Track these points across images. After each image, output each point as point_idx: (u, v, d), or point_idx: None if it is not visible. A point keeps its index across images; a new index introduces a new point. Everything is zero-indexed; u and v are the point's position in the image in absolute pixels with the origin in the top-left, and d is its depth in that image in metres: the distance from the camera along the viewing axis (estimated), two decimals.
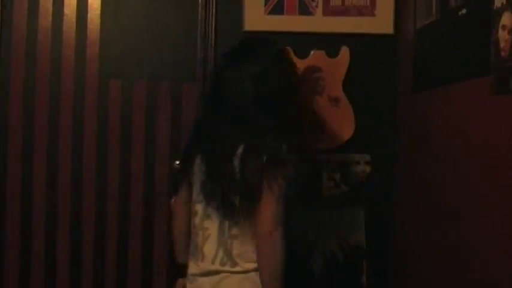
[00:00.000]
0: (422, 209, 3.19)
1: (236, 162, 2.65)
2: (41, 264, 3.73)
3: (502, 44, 2.30)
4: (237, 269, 2.69)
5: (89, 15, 3.72)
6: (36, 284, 3.74)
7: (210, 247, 2.74)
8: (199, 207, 2.79)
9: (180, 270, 2.95)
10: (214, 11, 3.70)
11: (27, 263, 3.72)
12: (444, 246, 2.91)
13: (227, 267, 2.70)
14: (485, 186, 2.47)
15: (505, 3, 2.28)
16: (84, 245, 3.74)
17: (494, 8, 2.36)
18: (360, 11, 3.69)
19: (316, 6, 3.68)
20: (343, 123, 3.68)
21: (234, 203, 2.65)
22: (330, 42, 3.69)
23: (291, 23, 3.69)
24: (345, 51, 3.68)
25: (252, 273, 2.68)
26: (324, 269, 3.34)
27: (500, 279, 2.32)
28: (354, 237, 3.61)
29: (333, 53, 3.68)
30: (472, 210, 2.61)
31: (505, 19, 2.28)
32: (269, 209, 2.61)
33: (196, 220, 2.80)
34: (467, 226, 2.66)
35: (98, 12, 3.72)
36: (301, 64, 3.64)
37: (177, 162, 3.64)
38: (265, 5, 3.67)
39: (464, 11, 2.72)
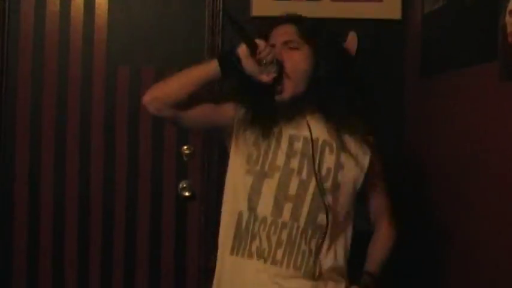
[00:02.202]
0: (430, 194, 3.19)
1: None
2: (49, 262, 3.75)
3: (509, 29, 2.29)
4: None
5: (96, 1, 3.72)
6: (44, 282, 3.77)
7: None
8: None
9: None
10: None
11: (35, 261, 3.76)
12: (451, 233, 2.91)
13: None
14: (494, 171, 2.47)
15: None
16: (92, 231, 3.76)
17: None
18: None
19: None
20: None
21: None
22: (337, 28, 3.66)
23: (298, 8, 3.64)
24: (352, 37, 3.67)
25: None
26: None
27: (506, 278, 2.33)
28: (358, 221, 3.60)
29: (340, 38, 3.67)
30: (480, 197, 2.61)
31: None
32: None
33: None
34: (476, 214, 2.66)
35: None
36: None
37: (185, 147, 3.67)
38: None
39: None
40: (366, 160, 2.55)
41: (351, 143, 2.53)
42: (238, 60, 2.41)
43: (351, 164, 2.52)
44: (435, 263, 3.11)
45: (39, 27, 3.70)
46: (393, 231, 2.68)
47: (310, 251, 2.45)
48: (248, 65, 2.40)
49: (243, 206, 2.50)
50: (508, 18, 2.30)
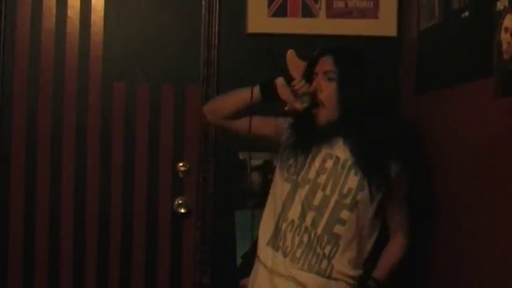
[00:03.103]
0: (426, 211, 3.18)
1: None
2: (44, 277, 3.74)
3: (504, 46, 2.30)
4: None
5: (92, 17, 3.73)
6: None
7: None
8: None
9: None
10: (217, 13, 3.70)
11: (30, 265, 3.74)
12: (450, 249, 2.91)
13: None
14: (489, 188, 2.47)
15: (507, 5, 2.29)
16: (87, 248, 3.74)
17: (497, 10, 2.36)
18: (363, 14, 3.70)
19: (320, 9, 3.69)
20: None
21: None
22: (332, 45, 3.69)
23: (294, 25, 3.70)
24: None
25: None
26: None
27: (509, 281, 2.33)
28: None
29: None
30: (475, 212, 2.61)
31: (507, 21, 2.28)
32: None
33: None
34: (469, 229, 2.66)
35: (102, 14, 3.73)
36: (304, 66, 3.64)
37: (181, 164, 3.67)
38: (269, 7, 3.67)
39: (467, 13, 2.72)
40: (385, 183, 2.89)
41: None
42: (275, 88, 2.96)
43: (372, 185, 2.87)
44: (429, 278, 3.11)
45: (35, 44, 3.70)
46: (405, 242, 3.03)
47: (323, 255, 2.82)
48: (283, 93, 2.95)
49: (280, 208, 2.92)
50: (503, 35, 2.31)
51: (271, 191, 3.05)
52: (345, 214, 2.83)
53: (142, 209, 3.74)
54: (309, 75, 2.98)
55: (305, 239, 2.83)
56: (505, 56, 2.29)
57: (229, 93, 3.14)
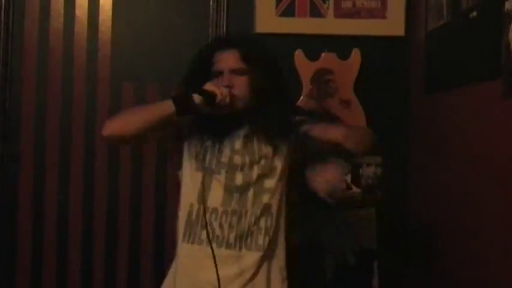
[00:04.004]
0: (434, 211, 3.18)
1: None
2: (53, 266, 3.75)
3: None
4: None
5: (100, 17, 3.73)
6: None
7: None
8: None
9: None
10: (225, 13, 3.71)
11: (38, 264, 3.76)
12: (457, 248, 2.91)
13: None
14: (498, 187, 2.47)
15: None
16: (95, 247, 3.76)
17: (505, 10, 2.36)
18: (372, 13, 3.70)
19: (328, 9, 3.69)
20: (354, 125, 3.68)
21: None
22: (341, 45, 3.69)
23: (302, 25, 3.70)
24: (356, 54, 3.68)
25: None
26: (336, 270, 3.33)
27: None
28: (366, 240, 3.60)
29: (344, 55, 3.69)
30: (484, 211, 2.61)
31: None
32: None
33: None
34: (480, 228, 2.66)
35: (110, 14, 3.73)
36: (312, 66, 3.65)
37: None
38: (277, 7, 3.68)
39: (475, 13, 2.72)
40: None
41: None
42: (195, 106, 2.60)
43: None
44: (440, 283, 3.11)
45: (43, 44, 3.71)
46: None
47: (259, 230, 2.71)
48: (206, 110, 2.61)
49: (193, 199, 2.74)
50: (511, 35, 2.31)
51: (182, 186, 2.86)
52: (268, 183, 2.73)
53: (151, 209, 3.75)
54: (205, 71, 2.77)
55: (234, 222, 2.71)
56: None
57: (133, 112, 2.80)
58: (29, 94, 3.71)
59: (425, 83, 3.38)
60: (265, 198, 2.72)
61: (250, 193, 2.72)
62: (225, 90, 2.61)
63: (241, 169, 2.73)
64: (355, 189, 3.69)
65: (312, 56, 3.67)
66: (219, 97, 2.58)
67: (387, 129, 3.67)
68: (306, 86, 3.67)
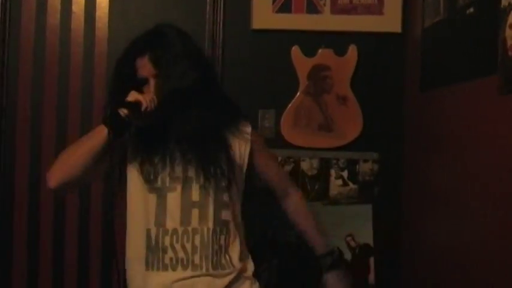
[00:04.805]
0: (430, 208, 3.19)
1: None
2: (49, 267, 3.75)
3: (509, 43, 2.30)
4: None
5: (97, 13, 3.73)
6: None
7: None
8: None
9: None
10: (222, 9, 3.70)
11: (34, 265, 3.75)
12: (452, 244, 2.91)
13: None
14: (493, 185, 2.47)
15: None
16: (91, 247, 3.75)
17: (502, 7, 2.36)
18: (368, 10, 3.69)
19: (324, 5, 3.68)
20: (351, 121, 3.69)
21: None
22: (338, 41, 3.69)
23: (299, 21, 3.69)
24: (352, 50, 3.68)
25: None
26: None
27: (509, 277, 2.33)
28: (362, 235, 3.61)
29: (341, 52, 3.68)
30: (480, 209, 2.61)
31: None
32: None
33: None
34: (475, 225, 2.66)
35: (106, 10, 3.73)
36: (309, 62, 3.65)
37: None
38: (273, 3, 3.67)
39: (471, 9, 2.72)
40: (246, 151, 2.72)
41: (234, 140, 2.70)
42: (125, 121, 2.47)
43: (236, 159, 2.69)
44: (437, 280, 3.11)
45: (39, 40, 3.71)
46: (301, 193, 2.93)
47: (220, 247, 2.60)
48: (138, 121, 2.51)
49: (150, 224, 2.60)
50: (508, 31, 2.31)
51: (130, 205, 2.70)
52: (225, 196, 2.62)
53: None
54: (132, 79, 2.63)
55: (197, 241, 2.57)
56: (509, 53, 2.29)
57: (70, 152, 2.66)
58: (25, 90, 3.70)
59: (422, 79, 3.38)
60: (224, 214, 2.62)
61: (210, 209, 2.59)
62: (149, 96, 2.51)
63: (197, 181, 2.60)
64: (351, 185, 3.69)
65: (309, 52, 3.67)
66: (144, 104, 2.48)
67: (383, 125, 3.68)
68: (303, 82, 3.67)
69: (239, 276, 2.64)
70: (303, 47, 3.65)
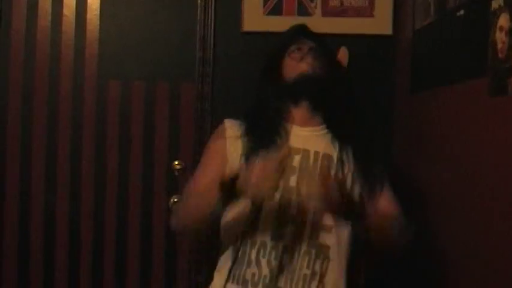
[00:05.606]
0: (420, 210, 3.19)
1: None
2: (39, 266, 3.74)
3: (499, 46, 2.30)
4: None
5: (88, 15, 3.72)
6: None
7: None
8: None
9: None
10: (213, 11, 3.70)
11: (25, 265, 3.74)
12: (443, 245, 2.91)
13: None
14: (483, 187, 2.48)
15: (502, 4, 2.29)
16: (82, 245, 3.74)
17: (492, 9, 2.36)
18: (359, 12, 3.70)
19: (315, 7, 3.69)
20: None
21: None
22: (328, 43, 3.69)
23: (289, 23, 3.67)
24: (343, 52, 3.68)
25: None
26: None
27: (500, 279, 2.33)
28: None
29: None
30: (469, 211, 2.61)
31: (502, 20, 2.28)
32: None
33: None
34: (465, 227, 2.66)
35: (97, 13, 3.72)
36: None
37: (176, 162, 3.66)
38: (264, 5, 3.67)
39: (462, 12, 2.73)
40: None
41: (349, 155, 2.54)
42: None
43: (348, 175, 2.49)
44: (428, 281, 3.11)
45: (30, 42, 3.70)
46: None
47: (313, 273, 2.39)
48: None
49: (239, 232, 2.44)
50: (498, 34, 2.31)
51: (228, 213, 2.50)
52: (328, 218, 2.42)
53: (138, 207, 3.74)
54: None
55: (285, 261, 2.37)
56: (499, 55, 2.29)
57: (189, 208, 2.48)
58: (15, 91, 3.69)
59: (412, 81, 3.39)
60: (322, 237, 2.41)
61: (307, 228, 2.38)
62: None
63: (298, 194, 2.38)
64: None
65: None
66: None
67: (373, 128, 3.68)
68: None
69: None
70: None
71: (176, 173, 3.73)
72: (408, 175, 3.44)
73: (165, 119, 3.73)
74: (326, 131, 2.58)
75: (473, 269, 2.56)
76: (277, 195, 2.36)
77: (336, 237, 2.43)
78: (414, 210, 3.20)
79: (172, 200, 3.71)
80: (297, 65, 2.55)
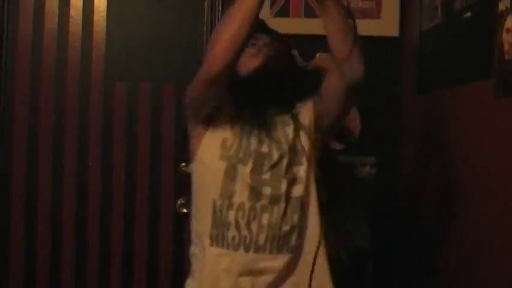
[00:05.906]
0: (427, 211, 3.19)
1: None
2: (46, 266, 3.75)
3: (506, 47, 2.30)
4: None
5: (94, 17, 3.73)
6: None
7: None
8: None
9: None
10: (219, 13, 3.70)
11: (31, 266, 3.75)
12: (449, 248, 2.91)
13: None
14: (490, 187, 2.47)
15: (509, 6, 2.29)
16: (88, 247, 3.75)
17: (499, 11, 2.36)
18: (366, 14, 3.69)
19: None
20: (348, 125, 3.68)
21: None
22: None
23: (296, 25, 3.70)
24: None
25: None
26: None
27: (506, 280, 2.33)
28: (359, 240, 3.60)
29: None
30: (476, 212, 2.61)
31: (509, 22, 2.28)
32: None
33: None
34: (472, 228, 2.66)
35: (104, 14, 3.73)
36: (307, 67, 3.65)
37: (183, 163, 3.66)
38: (271, 7, 3.68)
39: (468, 14, 2.72)
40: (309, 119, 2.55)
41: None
42: None
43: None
44: (433, 283, 3.11)
45: (37, 44, 3.71)
46: None
47: (292, 228, 2.40)
48: None
49: (216, 194, 2.43)
50: (504, 36, 2.31)
51: (197, 176, 2.56)
52: (298, 170, 2.43)
53: (145, 209, 3.74)
54: None
55: (264, 220, 2.37)
56: (506, 57, 2.29)
57: (225, 26, 2.44)
58: (22, 93, 3.70)
59: (419, 83, 3.38)
60: (295, 190, 2.42)
61: (283, 185, 2.38)
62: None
63: (270, 158, 2.41)
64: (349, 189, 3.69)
65: (306, 56, 3.66)
66: None
67: (380, 129, 3.68)
68: None
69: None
70: (300, 50, 3.64)
71: (183, 175, 3.73)
72: (415, 175, 3.43)
73: (171, 121, 3.73)
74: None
75: (481, 269, 2.55)
76: (251, 161, 2.40)
77: (306, 186, 2.44)
78: (422, 209, 3.20)
79: (179, 202, 3.71)
80: (249, 60, 2.56)
